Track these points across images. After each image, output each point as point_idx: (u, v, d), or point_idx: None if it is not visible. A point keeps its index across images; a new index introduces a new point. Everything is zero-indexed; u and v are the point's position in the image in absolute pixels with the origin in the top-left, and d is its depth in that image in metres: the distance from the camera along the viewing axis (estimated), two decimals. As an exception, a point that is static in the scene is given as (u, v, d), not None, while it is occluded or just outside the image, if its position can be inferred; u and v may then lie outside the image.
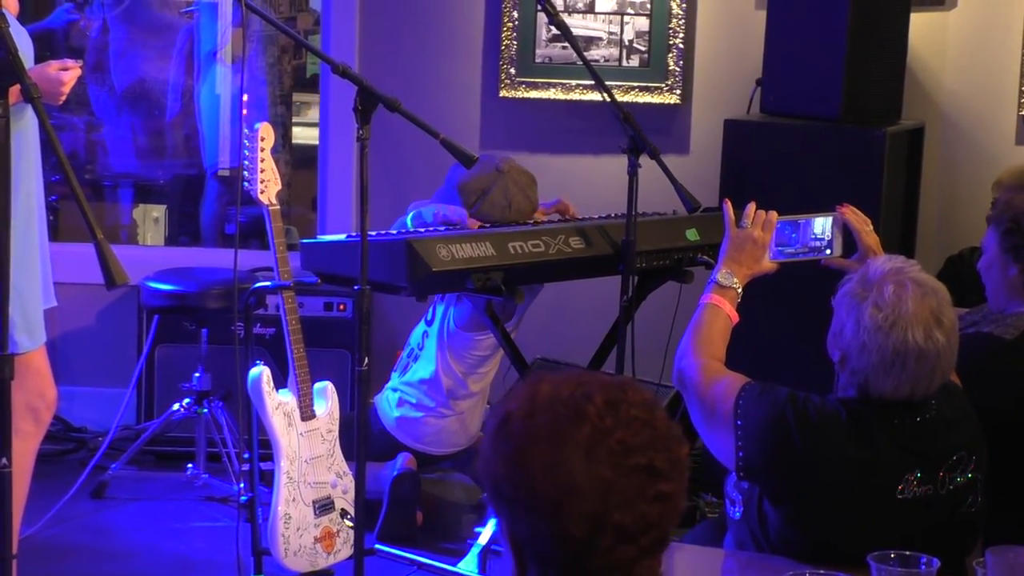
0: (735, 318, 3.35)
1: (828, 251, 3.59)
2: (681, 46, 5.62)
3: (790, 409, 2.96)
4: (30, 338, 3.92)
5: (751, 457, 2.99)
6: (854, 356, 2.98)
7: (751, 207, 3.52)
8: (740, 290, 3.39)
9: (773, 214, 3.52)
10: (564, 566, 1.87)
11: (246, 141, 4.26)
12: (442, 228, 4.45)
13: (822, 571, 2.70)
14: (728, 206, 3.54)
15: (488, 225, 4.58)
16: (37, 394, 4.03)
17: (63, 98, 3.91)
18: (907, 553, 2.63)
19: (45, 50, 6.49)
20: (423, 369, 4.95)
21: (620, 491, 1.83)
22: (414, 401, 4.95)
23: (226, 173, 6.87)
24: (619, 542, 1.84)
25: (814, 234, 3.59)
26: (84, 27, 6.84)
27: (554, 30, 5.23)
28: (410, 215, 4.64)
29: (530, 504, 1.86)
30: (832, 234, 3.59)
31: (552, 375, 1.93)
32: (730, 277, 3.39)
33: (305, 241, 4.61)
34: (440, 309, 4.91)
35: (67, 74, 3.88)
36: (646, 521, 1.85)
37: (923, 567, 2.61)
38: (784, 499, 2.98)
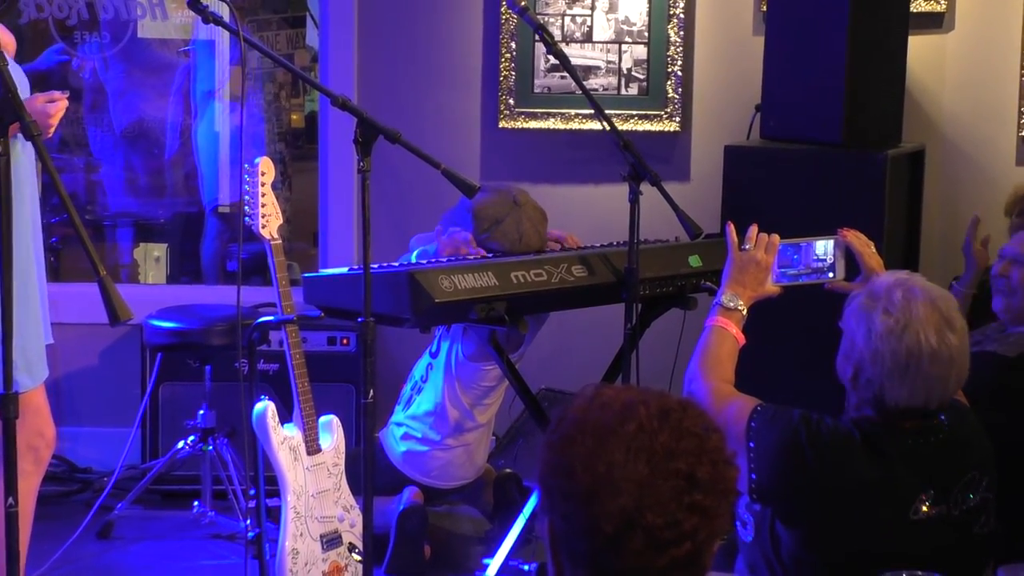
0: (742, 340, 3.34)
1: (831, 273, 3.59)
2: (680, 73, 5.63)
3: (803, 430, 2.95)
4: (30, 377, 3.92)
5: (764, 479, 2.97)
6: (867, 365, 2.96)
7: (753, 229, 3.53)
8: (745, 312, 3.38)
9: (775, 237, 3.53)
10: (593, 564, 1.86)
11: (247, 176, 4.25)
12: (444, 259, 4.44)
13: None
14: (731, 229, 3.55)
15: (492, 254, 4.57)
16: (36, 433, 4.02)
17: (52, 131, 3.92)
18: (919, 573, 2.61)
19: (43, 91, 6.49)
20: (428, 401, 4.93)
21: (655, 492, 1.83)
22: (419, 435, 4.93)
23: (226, 209, 6.87)
24: (649, 547, 1.83)
25: (816, 256, 3.60)
26: (77, 68, 6.84)
27: (552, 60, 5.22)
28: (415, 252, 4.63)
29: (567, 492, 1.87)
30: (834, 256, 3.59)
31: (622, 386, 1.95)
32: (735, 299, 3.39)
33: (307, 275, 4.60)
34: (446, 341, 4.90)
35: (53, 106, 3.88)
36: (679, 530, 1.83)
37: (933, 587, 2.61)
38: (797, 520, 2.97)
